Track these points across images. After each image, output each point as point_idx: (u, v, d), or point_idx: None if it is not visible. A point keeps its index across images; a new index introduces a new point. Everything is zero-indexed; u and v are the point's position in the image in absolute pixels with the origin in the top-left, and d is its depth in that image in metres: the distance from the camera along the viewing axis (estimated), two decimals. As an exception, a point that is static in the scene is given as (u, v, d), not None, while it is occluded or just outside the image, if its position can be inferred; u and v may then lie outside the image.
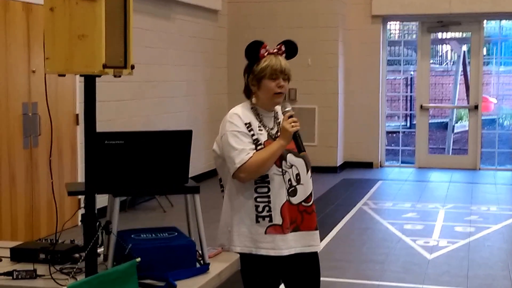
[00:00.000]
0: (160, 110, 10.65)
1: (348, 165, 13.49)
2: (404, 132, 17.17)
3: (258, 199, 3.70)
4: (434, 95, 19.59)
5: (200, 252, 3.50)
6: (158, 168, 3.39)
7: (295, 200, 3.74)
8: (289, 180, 3.73)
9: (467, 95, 14.83)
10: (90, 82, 2.97)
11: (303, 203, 3.77)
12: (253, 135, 3.71)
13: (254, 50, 3.71)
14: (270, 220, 3.69)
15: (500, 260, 7.28)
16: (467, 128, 14.69)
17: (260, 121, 3.76)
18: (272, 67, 3.68)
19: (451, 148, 16.07)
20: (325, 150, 12.92)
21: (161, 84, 10.71)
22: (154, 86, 10.45)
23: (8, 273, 3.24)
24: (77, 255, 3.42)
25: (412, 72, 18.87)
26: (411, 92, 19.69)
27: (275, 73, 3.68)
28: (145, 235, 3.48)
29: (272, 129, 3.78)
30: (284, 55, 3.74)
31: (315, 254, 3.90)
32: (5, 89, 7.30)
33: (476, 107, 13.53)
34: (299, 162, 3.76)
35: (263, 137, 3.73)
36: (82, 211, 3.14)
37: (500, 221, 8.98)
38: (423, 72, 13.90)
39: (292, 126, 3.64)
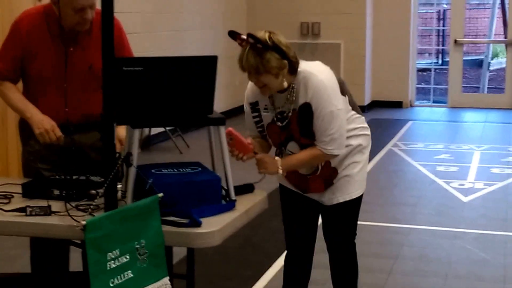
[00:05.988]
0: (173, 44, 10.55)
1: (376, 104, 13.39)
2: (435, 69, 17.01)
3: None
4: (468, 30, 19.31)
5: (225, 188, 3.47)
6: (180, 97, 3.32)
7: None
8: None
9: (505, 30, 14.64)
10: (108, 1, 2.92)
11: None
12: (255, 116, 3.74)
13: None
14: None
15: (541, 203, 7.26)
16: (504, 65, 14.52)
17: (270, 97, 3.67)
18: (241, 65, 3.52)
19: (486, 86, 15.92)
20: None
21: (174, 16, 10.61)
22: (167, 18, 10.35)
23: (21, 209, 3.22)
24: (93, 191, 3.39)
25: (445, 5, 18.61)
26: (443, 26, 19.46)
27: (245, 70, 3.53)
28: (166, 170, 3.43)
29: (278, 108, 3.67)
30: (259, 46, 3.46)
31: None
32: None
33: (514, 42, 13.36)
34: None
35: (267, 118, 3.72)
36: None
37: (540, 163, 8.92)
38: (458, 4, 13.68)
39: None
